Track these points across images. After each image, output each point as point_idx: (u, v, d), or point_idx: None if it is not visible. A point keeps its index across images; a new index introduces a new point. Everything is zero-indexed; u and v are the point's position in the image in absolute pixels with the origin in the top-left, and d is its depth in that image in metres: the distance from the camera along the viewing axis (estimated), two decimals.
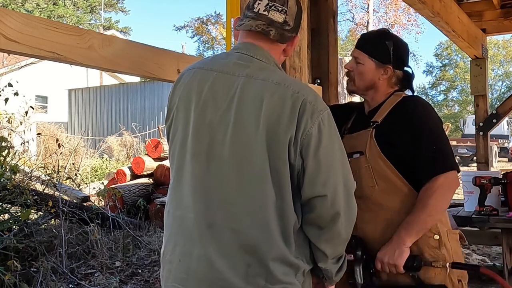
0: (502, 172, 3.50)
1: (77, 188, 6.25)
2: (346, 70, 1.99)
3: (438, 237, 1.78)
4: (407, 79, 1.96)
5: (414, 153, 1.78)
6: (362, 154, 1.85)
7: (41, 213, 4.90)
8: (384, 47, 1.88)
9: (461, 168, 16.04)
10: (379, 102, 1.92)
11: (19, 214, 4.24)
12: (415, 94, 2.05)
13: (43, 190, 5.21)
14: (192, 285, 1.33)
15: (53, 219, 5.07)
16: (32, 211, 4.60)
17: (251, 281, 1.28)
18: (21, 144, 6.24)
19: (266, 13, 1.38)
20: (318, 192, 1.30)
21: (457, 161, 1.91)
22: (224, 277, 1.29)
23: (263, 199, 1.29)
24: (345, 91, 2.33)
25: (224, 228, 1.30)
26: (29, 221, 4.59)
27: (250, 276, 1.28)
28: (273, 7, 1.38)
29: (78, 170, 7.21)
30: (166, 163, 7.30)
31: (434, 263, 1.76)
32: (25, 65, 17.98)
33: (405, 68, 1.96)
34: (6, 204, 4.41)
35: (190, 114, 1.36)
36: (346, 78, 2.02)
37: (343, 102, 2.15)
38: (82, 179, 7.25)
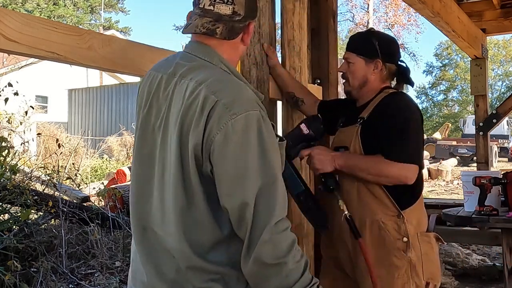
0: (502, 172, 3.49)
1: (77, 188, 6.25)
2: (340, 73, 2.05)
3: (406, 239, 1.82)
4: (402, 74, 2.02)
5: (380, 143, 1.84)
6: (347, 149, 1.92)
7: (41, 213, 4.90)
8: (370, 43, 1.95)
9: (461, 168, 16.02)
10: (369, 98, 1.97)
11: (19, 214, 4.24)
12: (415, 90, 2.10)
13: (43, 190, 5.21)
14: (138, 286, 1.36)
15: (53, 219, 5.06)
16: (32, 211, 4.60)
17: (178, 286, 1.26)
18: (21, 144, 6.24)
19: (211, 7, 1.30)
20: (223, 204, 1.20)
21: (423, 159, 1.92)
22: (156, 284, 1.29)
23: (176, 206, 1.24)
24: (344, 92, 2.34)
25: (154, 233, 1.30)
26: (29, 221, 4.59)
27: (179, 281, 1.26)
28: (218, 0, 1.30)
29: (78, 170, 7.21)
30: None
31: (398, 264, 1.81)
32: (25, 65, 17.97)
33: (399, 63, 2.01)
34: (6, 204, 4.41)
35: (139, 119, 1.37)
36: (342, 81, 2.07)
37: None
38: (82, 179, 7.25)
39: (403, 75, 2.02)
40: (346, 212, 1.81)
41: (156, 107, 1.32)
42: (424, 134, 2.05)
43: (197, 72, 1.28)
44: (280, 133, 2.16)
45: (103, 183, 7.47)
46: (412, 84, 2.07)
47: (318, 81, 2.73)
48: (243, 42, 1.40)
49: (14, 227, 4.37)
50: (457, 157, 17.99)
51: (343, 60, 2.02)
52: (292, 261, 1.18)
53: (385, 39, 2.01)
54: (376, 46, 1.93)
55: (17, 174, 4.72)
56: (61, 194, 5.29)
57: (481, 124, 5.17)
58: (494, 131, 5.99)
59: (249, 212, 1.17)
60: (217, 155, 1.18)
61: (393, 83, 2.07)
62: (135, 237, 1.36)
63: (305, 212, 1.79)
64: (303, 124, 1.85)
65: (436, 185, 12.64)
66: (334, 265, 2.05)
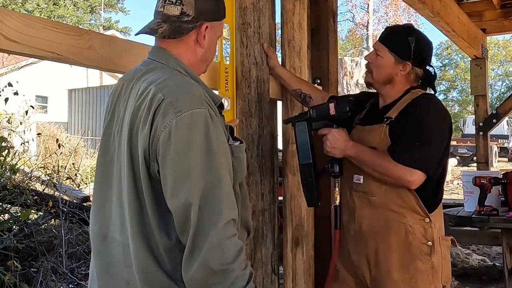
0: (502, 172, 3.50)
1: (77, 188, 6.25)
2: (366, 61, 1.99)
3: (431, 243, 1.80)
4: (427, 79, 1.95)
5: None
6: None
7: (41, 213, 4.90)
8: (405, 43, 1.86)
9: (461, 168, 16.02)
10: (394, 98, 1.91)
11: (19, 214, 4.24)
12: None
13: (43, 190, 5.21)
14: None
15: (53, 219, 5.06)
16: (32, 211, 4.60)
17: None
18: (21, 144, 6.24)
19: (162, 9, 1.33)
20: (169, 205, 1.16)
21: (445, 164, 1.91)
22: None
23: (131, 210, 1.21)
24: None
25: (113, 240, 1.27)
26: (29, 221, 4.59)
27: None
28: (167, 2, 1.32)
29: (78, 170, 7.21)
30: None
31: (423, 267, 1.80)
32: (25, 65, 17.98)
33: (427, 67, 1.94)
34: (6, 204, 4.41)
35: (104, 128, 1.37)
36: (365, 70, 2.02)
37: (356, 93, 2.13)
38: (82, 179, 7.25)
39: (428, 81, 1.96)
40: (337, 203, 1.81)
41: (117, 113, 1.32)
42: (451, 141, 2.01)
43: (150, 74, 1.28)
44: (280, 133, 2.17)
45: None
46: (434, 91, 2.01)
47: (318, 81, 2.73)
48: (199, 44, 1.36)
49: (14, 227, 4.37)
50: (457, 157, 17.99)
51: (372, 49, 1.95)
52: (239, 268, 1.14)
53: (422, 43, 1.91)
54: (411, 48, 1.85)
55: (17, 174, 4.72)
56: (61, 194, 5.29)
57: (481, 124, 5.17)
58: (494, 131, 5.99)
59: (193, 213, 1.12)
60: (162, 154, 1.15)
61: None
62: (94, 248, 1.34)
63: (303, 184, 1.80)
64: (332, 103, 1.82)
65: None
66: (348, 272, 2.01)
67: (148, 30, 1.34)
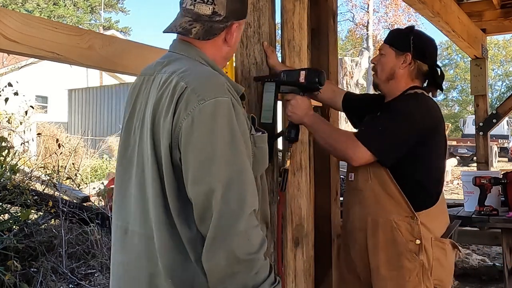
0: (502, 172, 3.50)
1: (77, 188, 6.25)
2: (372, 64, 2.04)
3: (419, 242, 1.79)
4: (431, 75, 1.97)
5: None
6: None
7: (41, 213, 4.90)
8: (404, 36, 1.93)
9: (461, 168, 16.03)
10: (395, 95, 1.94)
11: (19, 214, 4.24)
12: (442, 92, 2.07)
13: (43, 190, 5.21)
14: None
15: (53, 219, 5.06)
16: (32, 211, 4.60)
17: None
18: (21, 144, 6.23)
19: (192, 7, 1.31)
20: (189, 192, 1.15)
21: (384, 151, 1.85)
22: (133, 287, 1.26)
23: (153, 204, 1.20)
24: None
25: (134, 233, 1.26)
26: (29, 221, 4.59)
27: (153, 287, 1.21)
28: (198, 0, 1.30)
29: (78, 170, 7.21)
30: None
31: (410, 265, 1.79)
32: (25, 65, 17.97)
33: (434, 67, 1.97)
34: (6, 204, 4.41)
35: (124, 123, 1.37)
36: (372, 73, 2.07)
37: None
38: (82, 179, 7.25)
39: (434, 79, 1.98)
40: (286, 167, 1.81)
41: (138, 108, 1.32)
42: (445, 148, 1.97)
43: (172, 65, 1.29)
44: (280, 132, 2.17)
45: (103, 183, 7.46)
46: (441, 89, 2.02)
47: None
48: (227, 43, 1.38)
49: (14, 227, 4.37)
50: (457, 157, 17.98)
51: (376, 51, 2.03)
52: (262, 257, 1.14)
53: (422, 37, 1.97)
54: (410, 40, 1.91)
55: (17, 174, 4.72)
56: (61, 194, 5.29)
57: (481, 124, 5.17)
58: (494, 131, 5.99)
59: (215, 200, 1.11)
60: (184, 141, 1.15)
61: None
62: (116, 243, 1.34)
63: None
64: (304, 71, 1.81)
65: None
66: (347, 271, 2.04)
67: (180, 29, 1.31)
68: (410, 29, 1.99)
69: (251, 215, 1.14)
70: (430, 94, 1.99)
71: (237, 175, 1.15)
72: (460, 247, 1.93)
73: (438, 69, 1.97)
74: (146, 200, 1.22)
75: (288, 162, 1.82)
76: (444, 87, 2.06)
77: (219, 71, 1.33)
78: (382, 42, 2.03)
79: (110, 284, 1.38)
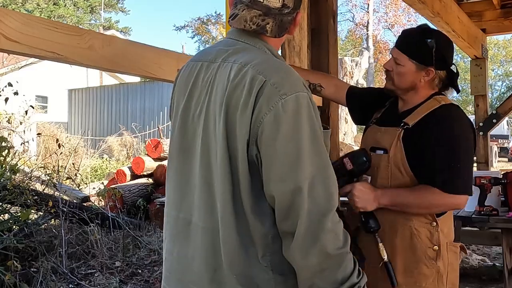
0: (502, 172, 3.50)
1: (77, 188, 6.25)
2: (384, 68, 1.90)
3: (437, 248, 1.76)
4: (450, 79, 1.86)
5: (429, 165, 1.72)
6: (386, 152, 1.80)
7: (41, 213, 4.90)
8: (425, 48, 1.76)
9: None
10: (415, 103, 1.84)
11: (19, 214, 4.24)
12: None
13: (43, 190, 5.21)
14: (172, 285, 1.31)
15: (53, 219, 5.06)
16: (32, 211, 4.60)
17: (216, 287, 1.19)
18: (21, 144, 6.24)
19: (261, 0, 1.22)
20: (270, 191, 1.13)
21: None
22: (195, 281, 1.23)
23: (221, 197, 1.17)
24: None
25: (197, 226, 1.23)
26: (29, 221, 4.59)
27: (216, 282, 1.19)
28: None
29: (78, 170, 7.21)
30: (166, 163, 7.27)
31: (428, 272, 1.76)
32: (25, 65, 17.98)
33: (450, 68, 1.86)
34: (6, 204, 4.41)
35: (179, 109, 1.31)
36: (384, 76, 1.94)
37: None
38: (82, 179, 7.25)
39: (451, 80, 1.87)
40: (385, 258, 1.71)
41: (196, 95, 1.27)
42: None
43: (240, 55, 1.22)
44: None
45: (103, 183, 7.47)
46: (458, 90, 1.91)
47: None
48: (289, 32, 1.32)
49: (14, 227, 4.37)
50: None
51: (391, 56, 1.86)
52: (349, 251, 1.15)
53: (442, 43, 1.81)
54: (432, 52, 1.75)
55: (17, 174, 4.73)
56: (61, 194, 5.29)
57: (481, 124, 5.17)
58: (494, 131, 5.99)
59: (301, 198, 1.09)
60: (267, 137, 1.11)
61: None
62: (177, 235, 1.30)
63: None
64: (347, 158, 1.73)
65: None
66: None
67: (255, 27, 1.23)
68: (428, 34, 1.79)
69: (335, 211, 1.14)
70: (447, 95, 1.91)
71: (322, 172, 1.13)
72: (466, 249, 1.91)
73: (454, 69, 1.86)
74: (213, 193, 1.20)
75: (384, 252, 1.72)
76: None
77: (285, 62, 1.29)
78: (394, 47, 1.85)
79: (164, 275, 1.34)
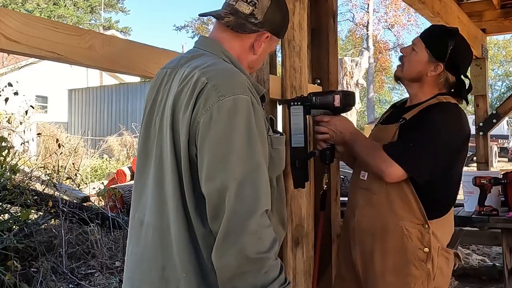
0: (502, 172, 3.49)
1: (77, 188, 6.25)
2: (400, 54, 1.96)
3: (427, 250, 1.76)
4: (459, 88, 1.88)
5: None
6: None
7: (41, 213, 4.90)
8: (443, 43, 1.82)
9: None
10: (420, 100, 1.88)
11: (19, 214, 4.24)
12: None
13: (43, 190, 5.21)
14: (126, 284, 1.34)
15: (53, 219, 5.06)
16: (32, 211, 4.60)
17: None
18: (21, 144, 6.24)
19: (233, 3, 1.35)
20: (203, 188, 1.15)
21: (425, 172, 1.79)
22: (143, 279, 1.25)
23: (171, 196, 1.20)
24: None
25: (148, 225, 1.26)
26: (29, 221, 4.59)
27: (164, 280, 1.21)
28: None
29: (78, 170, 7.21)
30: None
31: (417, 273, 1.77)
32: (25, 65, 17.98)
33: (462, 77, 1.88)
34: (6, 204, 4.41)
35: (145, 115, 1.37)
36: (398, 63, 1.99)
37: None
38: (82, 179, 7.25)
39: (460, 91, 1.88)
40: (325, 187, 1.87)
41: (158, 100, 1.33)
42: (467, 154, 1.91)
43: (195, 60, 1.29)
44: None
45: (103, 183, 7.47)
46: (467, 102, 1.94)
47: (318, 81, 2.73)
48: (253, 50, 1.38)
49: (14, 227, 4.38)
50: None
51: (411, 44, 1.92)
52: (273, 257, 1.13)
53: (461, 48, 1.86)
54: (448, 50, 1.80)
55: (17, 174, 4.73)
56: (61, 194, 5.29)
57: (481, 124, 5.17)
58: (494, 131, 5.99)
59: (229, 198, 1.10)
60: (201, 137, 1.15)
61: None
62: (133, 235, 1.34)
63: (292, 167, 1.80)
64: (337, 95, 1.83)
65: None
66: (345, 267, 2.02)
67: (214, 14, 1.35)
68: (452, 35, 1.85)
69: (263, 215, 1.13)
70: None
71: (252, 173, 1.13)
72: (461, 257, 1.91)
73: (467, 81, 1.88)
74: (163, 193, 1.23)
75: (326, 182, 1.88)
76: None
77: (241, 69, 1.33)
78: (418, 36, 1.91)
79: (124, 274, 1.37)
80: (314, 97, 1.85)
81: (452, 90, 1.90)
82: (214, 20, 1.41)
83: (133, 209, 1.36)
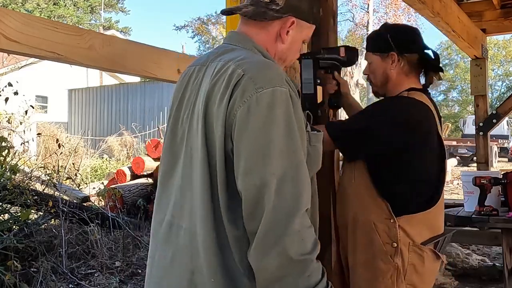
0: (502, 172, 3.49)
1: (77, 188, 6.25)
2: (365, 76, 2.06)
3: (396, 245, 1.76)
4: (425, 62, 1.89)
5: None
6: None
7: (41, 213, 4.90)
8: (381, 38, 1.90)
9: (461, 168, 16.04)
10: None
11: (19, 214, 4.24)
12: (441, 81, 2.01)
13: (43, 190, 5.21)
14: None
15: (53, 219, 5.06)
16: (32, 211, 4.60)
17: None
18: (21, 144, 6.24)
19: None
20: (239, 184, 1.07)
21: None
22: (173, 284, 1.19)
23: (200, 196, 1.13)
24: None
25: (179, 228, 1.19)
26: (29, 221, 4.59)
27: (193, 285, 1.14)
28: None
29: (78, 170, 7.21)
30: None
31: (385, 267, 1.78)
32: (25, 65, 17.97)
33: (425, 51, 1.90)
34: (6, 204, 4.41)
35: (172, 114, 1.32)
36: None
37: None
38: (82, 179, 7.25)
39: (430, 63, 1.90)
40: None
41: (187, 97, 1.27)
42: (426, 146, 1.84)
43: (227, 54, 1.23)
44: None
45: (103, 183, 7.46)
46: (441, 70, 1.93)
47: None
48: (281, 39, 1.30)
49: (14, 227, 4.38)
50: (457, 157, 17.98)
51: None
52: (315, 260, 1.07)
53: (398, 30, 1.96)
54: (388, 39, 1.86)
55: (17, 174, 4.73)
56: (61, 194, 5.29)
57: (481, 124, 5.16)
58: (494, 131, 5.98)
59: (268, 194, 1.03)
60: (238, 130, 1.08)
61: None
62: (160, 238, 1.26)
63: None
64: (342, 48, 1.95)
65: None
66: (338, 261, 2.03)
67: (235, 7, 1.30)
68: (384, 26, 1.98)
69: (305, 214, 1.06)
70: (434, 83, 1.91)
71: (293, 169, 1.07)
72: (444, 259, 1.88)
73: (430, 52, 1.90)
74: (193, 193, 1.16)
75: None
76: (444, 87, 2.06)
77: (275, 63, 1.27)
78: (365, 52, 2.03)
79: (146, 276, 1.31)
80: (322, 50, 1.99)
81: (422, 69, 1.92)
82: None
83: (159, 211, 1.28)
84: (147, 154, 7.60)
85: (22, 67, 17.74)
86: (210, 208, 1.12)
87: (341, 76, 2.08)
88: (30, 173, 5.27)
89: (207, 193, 1.13)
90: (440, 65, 1.96)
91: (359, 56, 1.97)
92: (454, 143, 19.37)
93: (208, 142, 1.13)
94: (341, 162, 2.55)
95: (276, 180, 1.04)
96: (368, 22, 26.33)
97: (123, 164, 10.97)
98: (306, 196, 1.08)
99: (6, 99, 4.69)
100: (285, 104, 1.10)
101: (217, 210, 1.12)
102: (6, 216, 4.48)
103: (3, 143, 4.23)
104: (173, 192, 1.23)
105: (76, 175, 6.43)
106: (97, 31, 17.98)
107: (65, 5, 29.80)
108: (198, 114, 1.18)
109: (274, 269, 1.03)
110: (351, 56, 1.93)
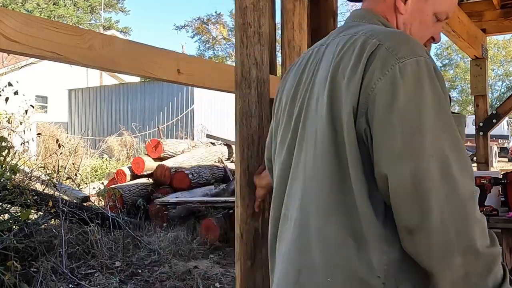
0: (502, 172, 3.49)
1: (77, 188, 6.25)
2: None
3: None
4: None
5: None
6: None
7: (41, 213, 4.91)
8: None
9: None
10: None
11: (19, 214, 4.25)
12: None
13: (43, 190, 5.21)
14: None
15: (53, 219, 5.07)
16: (32, 211, 4.61)
17: None
18: (21, 144, 6.24)
19: None
20: (387, 169, 0.90)
21: None
22: (280, 284, 1.07)
23: (321, 183, 0.99)
24: None
25: (294, 221, 1.05)
26: (29, 221, 4.60)
27: (298, 286, 1.00)
28: None
29: (78, 170, 7.22)
30: (166, 163, 7.30)
31: None
32: (25, 65, 17.99)
33: None
34: (6, 204, 4.41)
35: (282, 105, 1.22)
36: None
37: None
38: (82, 179, 7.25)
39: None
40: None
41: (304, 78, 1.15)
42: None
43: (351, 29, 1.10)
44: None
45: (103, 183, 7.47)
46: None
47: None
48: (398, 9, 1.15)
49: (14, 227, 4.38)
50: None
51: None
52: (500, 253, 0.91)
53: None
54: None
55: (17, 174, 4.73)
56: (61, 194, 5.30)
57: (481, 124, 5.17)
58: (494, 131, 5.99)
59: (429, 180, 0.87)
60: (380, 106, 0.92)
61: None
62: (274, 232, 1.16)
63: None
64: None
65: None
66: None
67: None
68: None
69: (476, 200, 0.92)
70: None
71: (453, 149, 0.91)
72: None
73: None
74: (308, 182, 1.03)
75: None
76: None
77: None
78: None
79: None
80: None
81: None
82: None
83: (275, 205, 1.17)
84: (147, 154, 7.60)
85: (22, 67, 17.76)
86: (335, 197, 0.97)
87: None
88: (30, 173, 5.27)
89: (333, 177, 0.98)
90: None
91: None
92: None
93: (335, 123, 0.99)
94: None
95: (438, 164, 0.89)
96: None
97: (123, 164, 10.98)
98: (472, 179, 0.95)
99: (6, 99, 4.69)
100: (431, 76, 0.95)
101: (344, 200, 0.96)
102: (6, 216, 4.49)
103: (3, 143, 4.24)
104: (292, 185, 1.10)
105: (76, 175, 6.43)
106: (97, 31, 17.97)
107: (65, 5, 29.81)
108: (319, 94, 1.04)
109: (458, 267, 0.87)
110: None
